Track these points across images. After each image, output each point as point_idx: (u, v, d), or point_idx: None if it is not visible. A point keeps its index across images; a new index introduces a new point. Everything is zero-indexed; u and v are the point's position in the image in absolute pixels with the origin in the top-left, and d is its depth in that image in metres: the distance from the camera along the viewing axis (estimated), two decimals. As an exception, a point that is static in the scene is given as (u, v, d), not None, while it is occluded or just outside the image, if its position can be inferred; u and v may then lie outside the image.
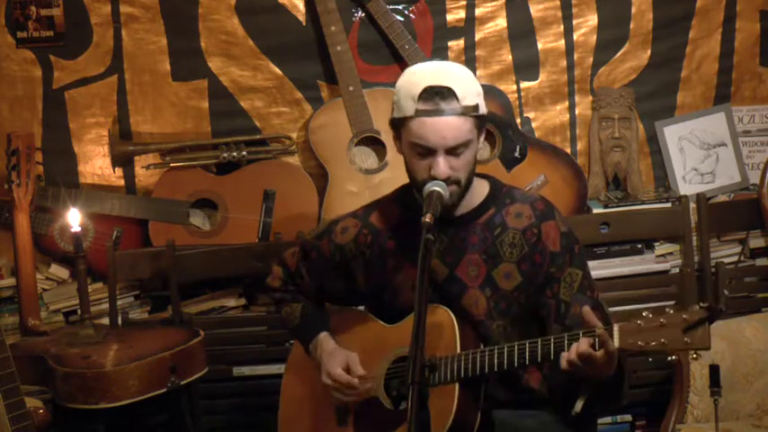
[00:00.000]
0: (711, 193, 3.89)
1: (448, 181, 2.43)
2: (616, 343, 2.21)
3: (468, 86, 2.43)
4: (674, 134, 3.99)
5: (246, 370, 3.68)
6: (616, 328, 2.22)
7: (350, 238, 2.65)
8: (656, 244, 3.79)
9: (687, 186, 3.95)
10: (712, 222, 3.74)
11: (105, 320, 3.63)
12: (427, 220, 2.29)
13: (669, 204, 3.81)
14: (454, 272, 2.52)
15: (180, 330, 3.42)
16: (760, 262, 3.84)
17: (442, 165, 2.41)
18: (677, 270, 3.76)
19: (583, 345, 2.23)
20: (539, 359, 2.33)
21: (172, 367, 3.12)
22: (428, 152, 2.42)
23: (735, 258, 3.82)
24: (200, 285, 3.77)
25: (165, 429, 3.53)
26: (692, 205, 3.74)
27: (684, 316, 2.17)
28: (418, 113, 2.40)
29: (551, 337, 2.33)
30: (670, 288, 3.74)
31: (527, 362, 2.34)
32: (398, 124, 2.47)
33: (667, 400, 3.34)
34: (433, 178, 2.42)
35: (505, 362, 2.35)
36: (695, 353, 2.19)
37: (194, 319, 3.67)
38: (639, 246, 3.78)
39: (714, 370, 2.94)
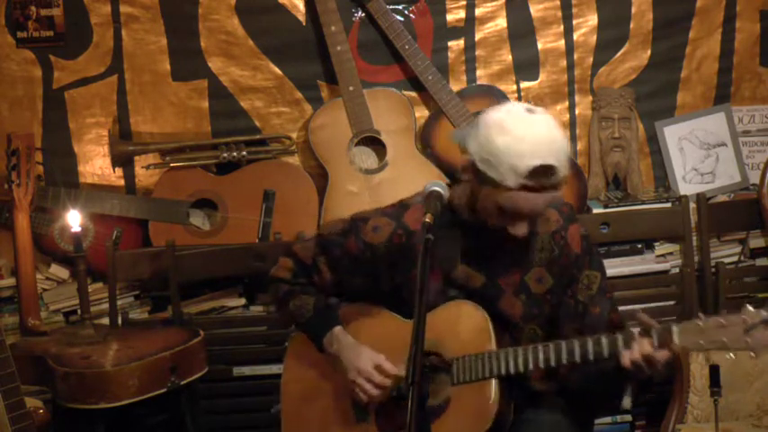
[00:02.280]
0: (711, 193, 3.89)
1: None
2: (677, 342, 2.28)
3: (565, 156, 2.37)
4: (674, 134, 3.99)
5: (246, 370, 3.68)
6: (675, 328, 2.29)
7: (383, 238, 2.61)
8: (656, 244, 3.79)
9: (687, 186, 3.95)
10: (712, 222, 3.74)
11: (105, 320, 3.63)
12: (427, 220, 2.29)
13: (669, 204, 3.81)
14: (490, 278, 2.54)
15: (180, 330, 3.42)
16: (760, 262, 3.84)
17: (525, 227, 2.43)
18: (677, 270, 3.76)
19: (646, 345, 2.31)
20: (591, 357, 2.37)
21: (172, 367, 3.12)
22: (514, 216, 2.41)
23: (735, 258, 3.82)
24: (200, 285, 3.77)
25: (165, 429, 3.53)
26: (692, 205, 3.73)
27: (744, 317, 2.23)
28: (521, 187, 2.34)
29: (602, 336, 2.36)
30: (670, 288, 3.74)
31: (577, 360, 2.38)
32: (488, 180, 2.38)
33: (667, 400, 3.34)
34: (512, 234, 2.44)
35: (552, 360, 2.39)
36: (753, 353, 2.25)
37: (194, 319, 3.67)
38: (639, 246, 3.78)
39: (714, 370, 2.94)
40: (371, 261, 2.63)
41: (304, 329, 2.73)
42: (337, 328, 2.66)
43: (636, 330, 2.34)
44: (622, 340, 2.34)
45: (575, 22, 3.94)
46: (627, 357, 2.32)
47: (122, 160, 3.84)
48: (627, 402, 2.47)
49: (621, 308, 3.50)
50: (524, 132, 2.33)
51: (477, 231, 2.52)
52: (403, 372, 2.49)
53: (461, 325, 2.49)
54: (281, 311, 2.78)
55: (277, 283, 2.76)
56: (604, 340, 2.36)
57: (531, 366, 2.41)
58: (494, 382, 2.42)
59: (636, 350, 2.31)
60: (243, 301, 3.78)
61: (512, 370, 2.41)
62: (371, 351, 2.59)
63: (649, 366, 2.32)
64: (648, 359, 2.30)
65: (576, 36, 3.94)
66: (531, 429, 2.50)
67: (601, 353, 2.36)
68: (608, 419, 3.72)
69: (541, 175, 2.33)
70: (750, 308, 2.24)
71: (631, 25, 3.95)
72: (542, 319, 2.56)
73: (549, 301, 2.55)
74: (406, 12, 3.88)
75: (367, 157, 3.83)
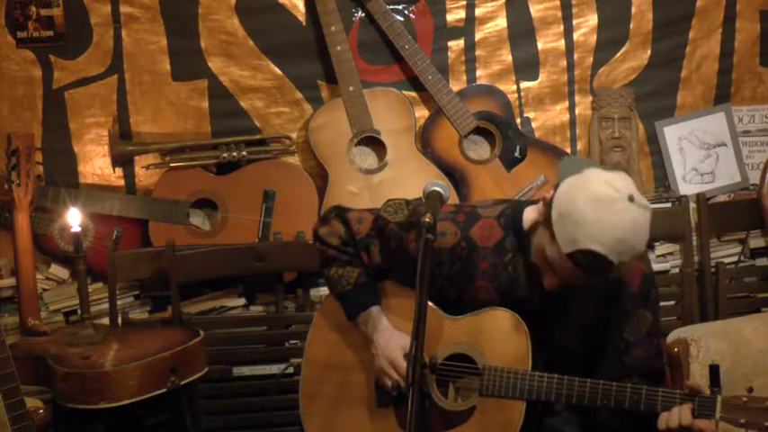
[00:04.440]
0: (711, 193, 3.89)
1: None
2: (717, 414, 2.22)
3: (631, 257, 2.29)
4: (674, 134, 3.99)
5: (246, 370, 3.67)
6: (719, 399, 2.23)
7: (447, 246, 2.52)
8: (656, 244, 3.79)
9: (687, 186, 3.95)
10: (712, 222, 3.74)
11: (105, 320, 3.63)
12: (427, 220, 2.27)
13: (669, 204, 3.81)
14: (548, 313, 2.47)
15: (180, 330, 3.42)
16: (760, 262, 3.85)
17: (555, 284, 2.36)
18: (677, 270, 3.76)
19: (686, 415, 2.24)
20: (625, 406, 2.31)
21: (172, 367, 3.12)
22: (555, 270, 2.35)
23: (735, 258, 3.82)
24: (200, 285, 3.77)
25: (165, 429, 3.52)
26: (692, 205, 3.73)
27: None
28: (569, 257, 2.28)
29: (643, 388, 2.31)
30: (670, 288, 3.74)
31: (611, 404, 2.33)
32: (551, 228, 2.31)
33: (667, 400, 3.34)
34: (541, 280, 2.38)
35: (587, 397, 2.35)
36: None
37: (194, 319, 3.66)
38: (639, 246, 3.78)
39: (714, 370, 2.94)
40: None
41: (340, 299, 2.66)
42: (375, 309, 2.60)
43: (678, 393, 2.27)
44: (661, 401, 2.28)
45: (575, 22, 3.94)
46: (664, 421, 2.26)
47: (122, 160, 3.84)
48: None
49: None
50: (607, 217, 2.24)
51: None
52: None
53: (501, 335, 2.43)
54: (322, 272, 2.70)
55: (324, 247, 2.68)
56: (643, 393, 2.30)
57: (563, 400, 2.36)
58: (522, 405, 2.37)
59: (675, 417, 2.24)
60: (243, 301, 3.78)
61: (542, 397, 2.37)
62: (405, 338, 2.48)
63: None
64: (686, 429, 2.23)
65: (576, 36, 3.95)
66: None
67: (637, 404, 2.30)
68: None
69: (593, 261, 2.25)
70: None
71: (631, 25, 3.95)
72: (587, 349, 2.49)
73: (592, 334, 2.48)
74: (406, 12, 3.88)
75: (367, 157, 3.83)
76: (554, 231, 2.28)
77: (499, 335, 2.44)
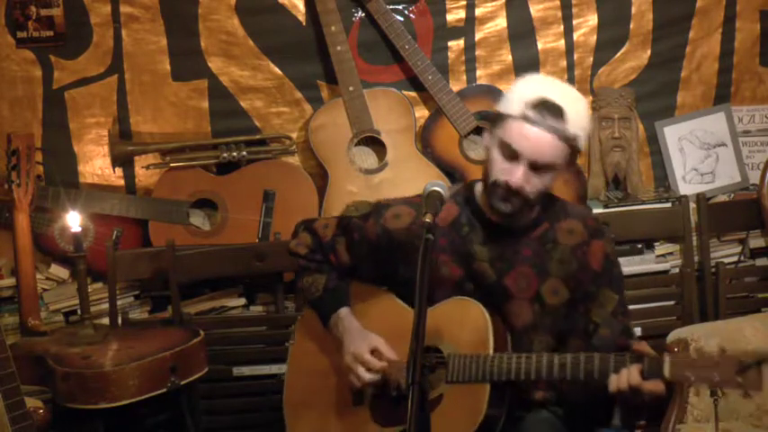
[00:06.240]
0: (711, 193, 3.90)
1: (515, 193, 2.42)
2: (666, 373, 2.23)
3: (579, 118, 2.42)
4: (674, 134, 3.99)
5: (246, 370, 3.67)
6: (667, 357, 2.24)
7: (402, 226, 2.62)
8: (656, 244, 3.79)
9: (687, 186, 3.95)
10: (712, 222, 3.74)
11: (105, 320, 3.63)
12: (427, 220, 2.28)
13: (669, 204, 3.81)
14: (502, 280, 2.53)
15: (180, 330, 3.42)
16: (760, 262, 3.85)
17: (521, 175, 2.41)
18: (677, 270, 3.76)
19: (634, 375, 2.25)
20: (581, 376, 2.33)
21: (172, 367, 3.12)
22: (514, 157, 2.41)
23: (735, 258, 3.82)
24: (200, 285, 3.77)
25: (165, 429, 3.52)
26: (692, 205, 3.73)
27: (739, 357, 2.17)
28: (523, 117, 2.39)
29: (595, 355, 2.33)
30: (670, 288, 3.74)
31: (568, 376, 2.35)
32: (498, 118, 2.46)
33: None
34: (506, 183, 2.42)
35: (544, 372, 2.36)
36: (743, 393, 2.20)
37: (194, 319, 3.67)
38: (639, 246, 3.78)
39: (714, 370, 2.94)
40: (389, 248, 2.63)
41: (313, 307, 2.75)
42: (343, 310, 2.66)
43: (628, 356, 2.29)
44: (613, 364, 2.29)
45: (575, 22, 3.94)
46: (614, 383, 2.28)
47: (122, 160, 3.84)
48: (617, 419, 2.42)
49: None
50: (545, 79, 2.53)
51: (500, 232, 2.52)
52: (399, 357, 2.52)
53: (463, 323, 2.48)
54: (297, 285, 2.81)
55: (294, 258, 2.79)
56: (596, 361, 2.32)
57: (522, 376, 2.37)
58: (487, 387, 2.40)
59: (624, 378, 2.26)
60: (243, 301, 3.79)
61: (503, 377, 2.39)
62: (372, 335, 2.58)
63: (635, 396, 2.26)
64: (635, 389, 2.25)
65: (576, 36, 3.95)
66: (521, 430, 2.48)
67: (592, 373, 2.32)
68: (608, 419, 3.72)
69: (547, 111, 2.37)
70: (749, 349, 2.20)
71: (631, 25, 3.95)
72: (554, 331, 2.53)
73: (563, 315, 2.52)
74: (406, 12, 3.88)
75: (367, 157, 3.83)
76: (501, 113, 2.43)
77: (461, 322, 2.47)
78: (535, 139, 2.38)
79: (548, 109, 2.37)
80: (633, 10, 3.94)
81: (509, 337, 2.49)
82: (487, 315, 2.46)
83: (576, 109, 2.42)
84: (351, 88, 3.75)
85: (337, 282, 2.73)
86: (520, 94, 2.43)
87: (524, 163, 2.40)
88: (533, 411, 2.51)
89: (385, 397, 2.58)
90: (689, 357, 2.24)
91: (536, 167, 2.41)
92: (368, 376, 2.54)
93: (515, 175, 2.41)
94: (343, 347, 2.61)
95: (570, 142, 2.41)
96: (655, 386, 2.25)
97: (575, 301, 2.52)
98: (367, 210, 2.70)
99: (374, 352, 2.55)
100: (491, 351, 2.42)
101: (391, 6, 3.82)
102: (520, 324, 2.52)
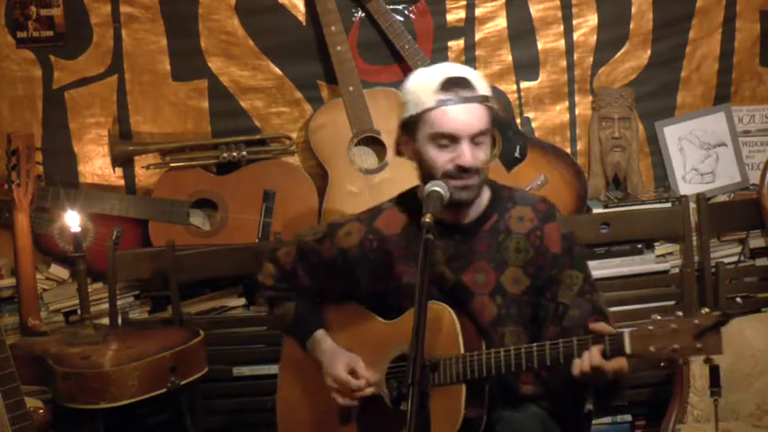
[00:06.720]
0: (711, 193, 3.89)
1: (471, 173, 2.44)
2: (627, 349, 2.22)
3: (479, 80, 2.49)
4: (674, 134, 3.99)
5: (246, 370, 3.68)
6: (627, 334, 2.22)
7: (355, 243, 2.64)
8: (656, 244, 3.79)
9: (687, 186, 3.95)
10: (712, 222, 3.74)
11: (105, 320, 3.63)
12: (427, 220, 2.29)
13: (669, 204, 3.81)
14: (461, 279, 2.53)
15: (180, 330, 3.42)
16: (760, 262, 3.84)
17: (468, 152, 2.43)
18: (677, 270, 3.75)
19: (595, 356, 2.24)
20: (547, 363, 2.33)
21: (172, 367, 3.12)
22: (452, 141, 2.44)
23: (735, 258, 3.82)
24: (200, 285, 3.77)
25: (165, 429, 3.53)
26: (692, 205, 3.73)
27: (696, 321, 2.15)
28: (440, 103, 2.43)
29: (560, 341, 2.32)
30: (670, 288, 3.74)
31: (535, 365, 2.34)
32: (414, 121, 2.48)
33: (667, 400, 3.34)
34: (459, 168, 2.44)
35: (513, 364, 2.36)
36: (707, 357, 2.17)
37: (194, 319, 3.67)
38: (639, 246, 3.78)
39: (714, 370, 2.94)
40: (348, 266, 2.66)
41: (289, 335, 2.80)
42: (319, 332, 2.70)
43: (590, 338, 2.27)
44: (576, 348, 2.28)
45: (575, 22, 3.94)
46: (577, 367, 2.27)
47: (122, 160, 3.84)
48: (589, 404, 2.40)
49: (622, 308, 3.57)
50: (429, 68, 2.53)
51: (452, 232, 2.53)
52: (377, 375, 2.56)
53: (432, 327, 2.44)
54: (269, 316, 2.88)
55: (262, 290, 2.84)
56: (561, 347, 2.31)
57: (493, 371, 2.36)
58: (463, 387, 2.39)
59: (585, 360, 2.25)
60: (243, 301, 3.78)
61: (475, 374, 2.38)
62: (348, 355, 2.62)
63: (598, 377, 2.25)
64: (597, 369, 2.24)
65: (576, 36, 3.94)
66: (505, 427, 2.46)
67: (557, 359, 2.31)
68: (608, 419, 3.72)
69: (456, 86, 2.42)
70: (705, 310, 2.16)
71: (631, 25, 3.95)
72: (523, 320, 2.52)
73: (527, 303, 2.52)
74: (406, 12, 3.88)
75: (367, 157, 3.83)
76: (415, 115, 2.46)
77: (430, 327, 2.43)
78: (463, 114, 2.43)
79: (455, 84, 2.43)
80: (633, 10, 3.94)
81: (479, 334, 2.49)
82: (455, 316, 2.45)
83: (473, 74, 2.49)
84: (351, 88, 3.75)
85: (307, 306, 2.76)
86: (420, 89, 2.46)
87: (465, 141, 2.43)
88: (522, 407, 2.50)
89: (371, 413, 2.60)
90: (646, 329, 2.19)
91: (475, 140, 2.45)
92: (350, 397, 2.59)
93: (463, 154, 2.43)
94: (323, 368, 2.65)
95: (488, 103, 2.47)
96: (616, 363, 2.24)
97: (538, 288, 2.51)
98: (322, 232, 2.72)
99: (353, 372, 2.58)
100: (462, 350, 2.42)
101: (391, 6, 3.82)
102: (487, 319, 2.51)
